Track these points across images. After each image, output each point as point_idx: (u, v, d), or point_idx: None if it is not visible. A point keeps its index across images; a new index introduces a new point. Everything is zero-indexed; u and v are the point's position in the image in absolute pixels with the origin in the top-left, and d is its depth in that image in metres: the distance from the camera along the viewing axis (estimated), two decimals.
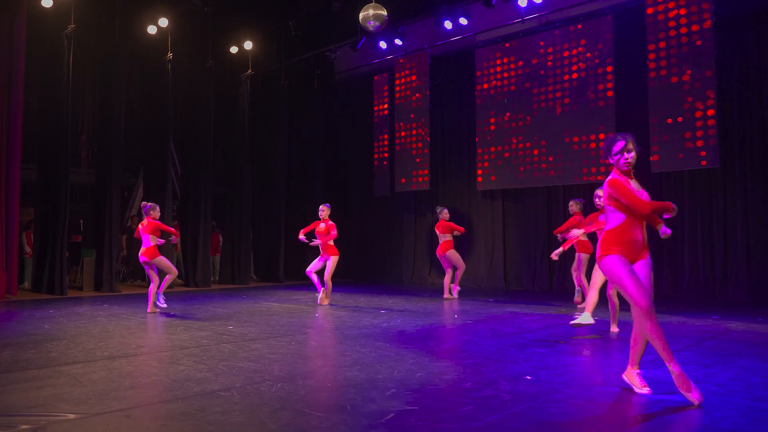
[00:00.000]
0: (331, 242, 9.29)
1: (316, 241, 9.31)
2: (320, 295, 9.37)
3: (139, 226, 8.51)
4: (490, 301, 9.88)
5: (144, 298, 10.15)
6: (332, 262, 9.21)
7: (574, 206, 8.29)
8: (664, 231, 4.17)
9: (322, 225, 9.36)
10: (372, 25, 9.82)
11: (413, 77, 13.34)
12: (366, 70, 14.71)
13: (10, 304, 9.52)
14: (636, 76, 10.35)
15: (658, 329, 3.67)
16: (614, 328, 6.42)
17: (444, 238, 10.08)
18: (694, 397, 3.58)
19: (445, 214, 10.19)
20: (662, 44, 9.63)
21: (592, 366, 4.84)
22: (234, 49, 13.82)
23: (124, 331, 6.71)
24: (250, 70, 13.97)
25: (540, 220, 12.10)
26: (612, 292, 6.25)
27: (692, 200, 10.24)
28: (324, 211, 9.44)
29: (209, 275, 13.25)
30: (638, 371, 3.96)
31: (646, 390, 3.85)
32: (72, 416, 3.39)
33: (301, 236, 9.38)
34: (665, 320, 7.39)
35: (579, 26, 10.98)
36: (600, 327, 6.60)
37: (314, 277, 9.43)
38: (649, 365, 4.75)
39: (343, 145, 15.98)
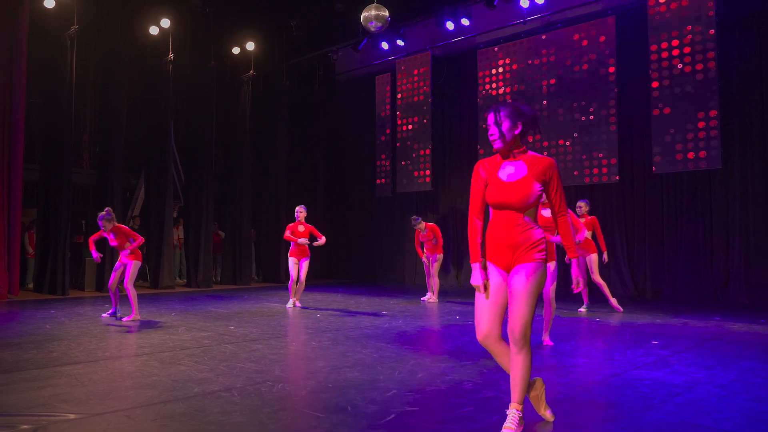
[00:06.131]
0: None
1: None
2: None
3: None
4: None
5: (147, 298, 10.16)
6: None
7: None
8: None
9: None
10: (373, 26, 9.82)
11: (415, 78, 13.34)
12: (368, 71, 14.71)
13: (12, 304, 9.53)
14: (638, 77, 10.34)
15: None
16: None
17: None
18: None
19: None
20: (664, 45, 9.63)
21: (593, 367, 4.83)
22: (236, 50, 13.83)
23: (125, 331, 6.71)
24: (251, 71, 13.98)
25: None
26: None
27: (692, 201, 10.22)
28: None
29: (211, 276, 13.25)
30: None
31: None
32: (72, 416, 3.40)
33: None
34: (667, 322, 7.39)
35: (581, 27, 10.97)
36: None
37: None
38: (651, 366, 4.75)
39: (344, 145, 15.97)
